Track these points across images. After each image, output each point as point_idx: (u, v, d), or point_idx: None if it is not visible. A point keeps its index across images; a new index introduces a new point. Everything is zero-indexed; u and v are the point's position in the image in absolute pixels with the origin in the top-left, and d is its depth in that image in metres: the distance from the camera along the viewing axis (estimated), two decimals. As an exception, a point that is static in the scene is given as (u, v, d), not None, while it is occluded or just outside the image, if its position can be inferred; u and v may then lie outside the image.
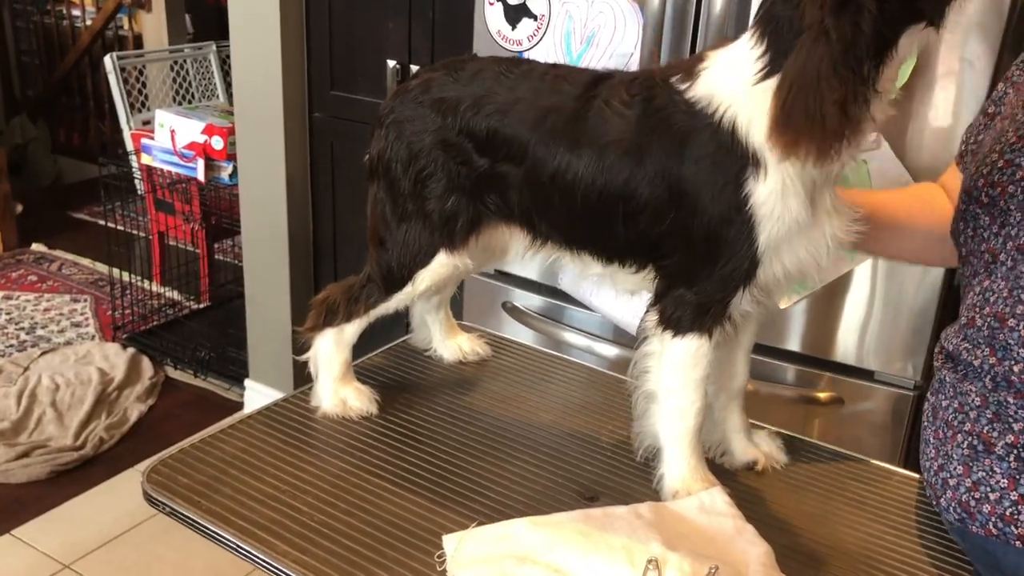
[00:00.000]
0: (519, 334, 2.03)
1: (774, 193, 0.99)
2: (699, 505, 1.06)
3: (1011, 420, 0.99)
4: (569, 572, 0.93)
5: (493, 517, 1.07)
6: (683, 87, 1.03)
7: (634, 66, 1.81)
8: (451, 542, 1.02)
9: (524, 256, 1.22)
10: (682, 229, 1.04)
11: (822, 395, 1.80)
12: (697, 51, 1.76)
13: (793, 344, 1.81)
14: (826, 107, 0.90)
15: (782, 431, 1.29)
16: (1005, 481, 0.99)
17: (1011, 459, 0.99)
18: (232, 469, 1.15)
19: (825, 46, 0.89)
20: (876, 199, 1.23)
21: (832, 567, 1.04)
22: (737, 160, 1.00)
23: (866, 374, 1.76)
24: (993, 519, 1.00)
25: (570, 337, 2.03)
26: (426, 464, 1.19)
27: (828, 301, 1.75)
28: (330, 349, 1.29)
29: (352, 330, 1.28)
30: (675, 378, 1.09)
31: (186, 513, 1.08)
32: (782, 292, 1.10)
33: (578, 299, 1.98)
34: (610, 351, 1.97)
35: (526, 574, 0.93)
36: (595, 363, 1.70)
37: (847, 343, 1.77)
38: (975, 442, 1.02)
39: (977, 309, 1.04)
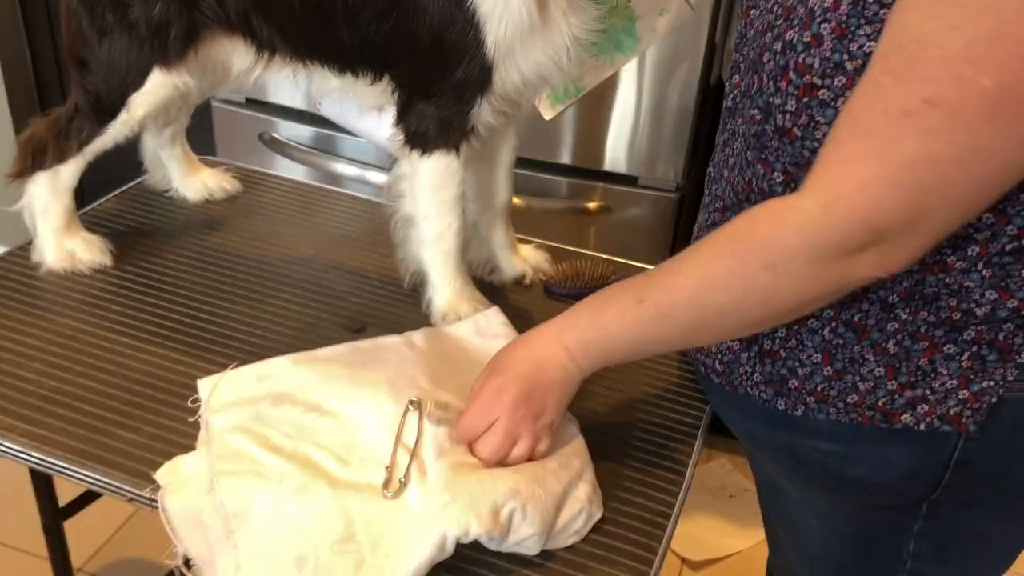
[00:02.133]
0: (284, 168, 1.90)
1: None
2: (475, 328, 1.03)
3: None
4: (330, 410, 0.88)
5: (253, 358, 0.99)
6: None
7: None
8: (206, 387, 0.94)
9: (254, 73, 1.09)
10: (406, 32, 0.96)
11: (591, 205, 1.82)
12: None
13: (563, 157, 1.80)
14: None
15: (548, 242, 1.28)
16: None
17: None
18: (-61, 343, 1.00)
19: None
20: None
21: (593, 386, 1.05)
22: None
23: (631, 180, 1.78)
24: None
25: (340, 167, 1.92)
26: (174, 314, 1.08)
27: (594, 110, 1.73)
28: (45, 196, 1.12)
29: (68, 172, 1.12)
30: (428, 200, 1.03)
31: None
32: (527, 100, 1.05)
33: (341, 125, 1.85)
34: (383, 179, 1.88)
35: (282, 415, 0.88)
36: (369, 193, 1.61)
37: (613, 151, 1.77)
38: None
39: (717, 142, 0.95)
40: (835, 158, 0.68)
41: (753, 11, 0.83)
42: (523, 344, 0.86)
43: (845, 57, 0.69)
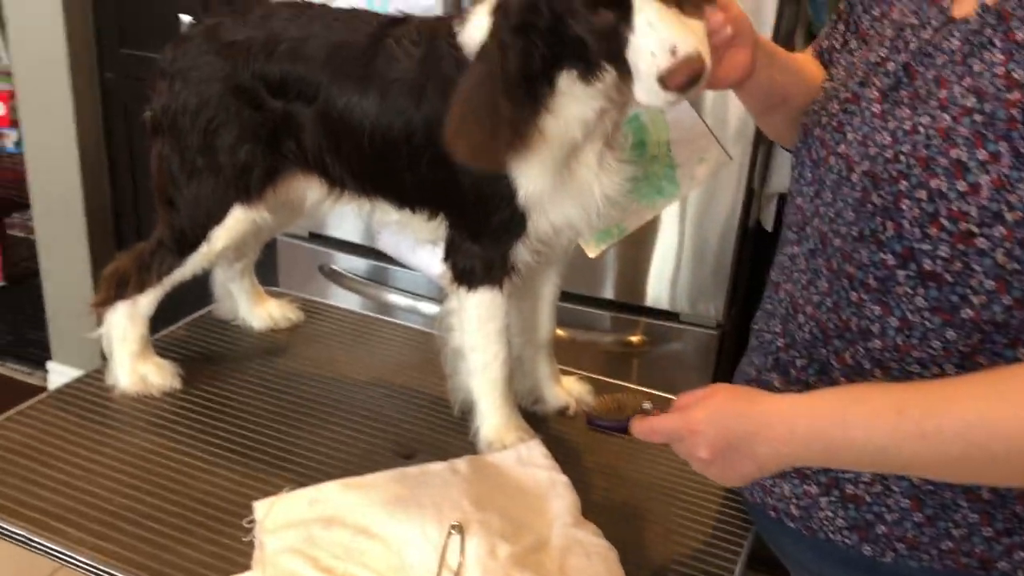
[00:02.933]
0: (341, 299, 1.99)
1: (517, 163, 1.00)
2: (517, 457, 1.08)
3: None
4: (377, 533, 0.93)
5: (308, 483, 1.05)
6: (457, 31, 1.03)
7: (438, 20, 1.79)
8: (261, 509, 0.99)
9: (324, 206, 1.19)
10: (455, 178, 1.05)
11: (633, 339, 1.88)
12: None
13: (607, 292, 1.87)
14: (496, 125, 0.93)
15: (591, 375, 1.33)
16: None
17: None
18: (21, 458, 1.07)
19: (500, 63, 0.93)
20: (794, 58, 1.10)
21: (633, 515, 1.08)
22: None
23: (673, 316, 1.84)
24: (756, 489, 0.98)
25: (394, 298, 2.01)
26: (236, 436, 1.15)
27: (637, 248, 1.81)
28: (123, 323, 1.21)
29: (146, 301, 1.22)
30: (475, 332, 1.10)
31: (-33, 510, 1.00)
32: (562, 245, 1.12)
33: (396, 258, 1.96)
34: (434, 310, 1.97)
35: (333, 537, 0.92)
36: (421, 323, 1.69)
37: (655, 288, 1.84)
38: None
39: (776, 281, 1.00)
40: None
41: (833, 159, 0.88)
42: (750, 402, 0.81)
43: (1004, 207, 0.73)
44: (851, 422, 0.73)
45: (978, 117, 0.75)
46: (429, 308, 1.98)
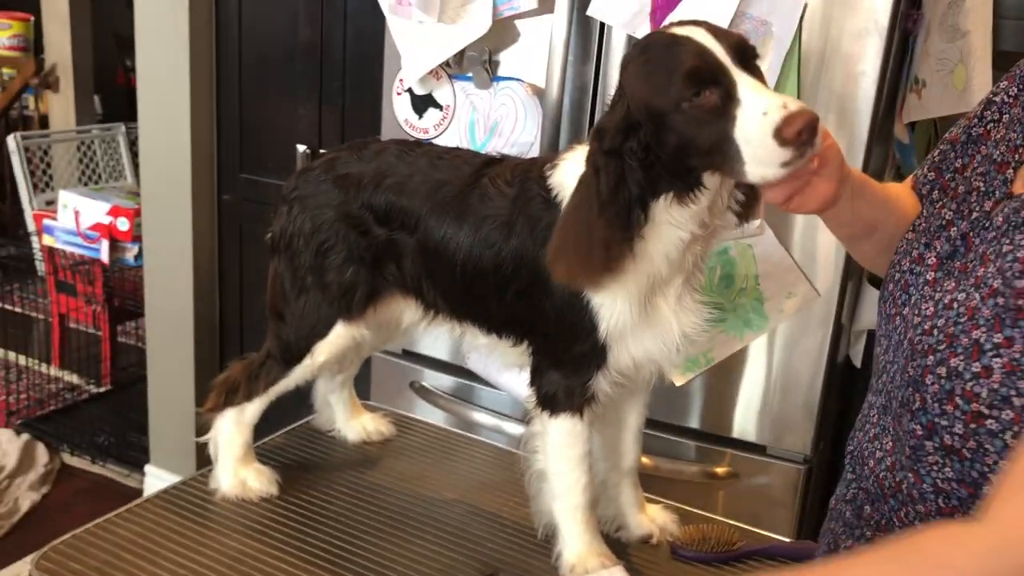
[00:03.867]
0: (428, 414, 2.04)
1: (604, 292, 1.04)
2: (598, 583, 1.08)
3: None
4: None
5: (393, 596, 1.08)
6: (548, 174, 1.10)
7: (534, 155, 1.89)
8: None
9: (419, 327, 1.26)
10: (539, 308, 1.10)
11: (719, 470, 1.86)
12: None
13: (692, 421, 1.88)
14: (591, 246, 0.97)
15: (676, 504, 1.33)
16: None
17: None
18: (127, 554, 1.13)
19: (595, 187, 0.97)
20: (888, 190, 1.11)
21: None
22: None
23: (759, 449, 1.83)
24: None
25: (479, 416, 2.05)
26: (327, 545, 1.19)
27: (724, 378, 1.82)
28: (230, 430, 1.28)
29: (253, 409, 1.29)
30: (557, 457, 1.13)
31: (76, 602, 1.05)
32: (643, 377, 1.15)
33: (485, 378, 2.01)
34: (518, 430, 2.00)
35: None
36: (505, 442, 1.73)
37: (742, 419, 1.84)
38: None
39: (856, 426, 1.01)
40: (1014, 497, 0.68)
41: (898, 319, 0.89)
42: None
43: (1013, 393, 0.74)
44: None
45: (1000, 300, 0.77)
46: (514, 428, 2.01)
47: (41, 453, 3.12)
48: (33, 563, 1.10)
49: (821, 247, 1.69)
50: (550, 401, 1.13)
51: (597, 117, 1.82)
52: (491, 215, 1.13)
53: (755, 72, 0.93)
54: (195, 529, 1.20)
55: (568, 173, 1.07)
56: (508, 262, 1.12)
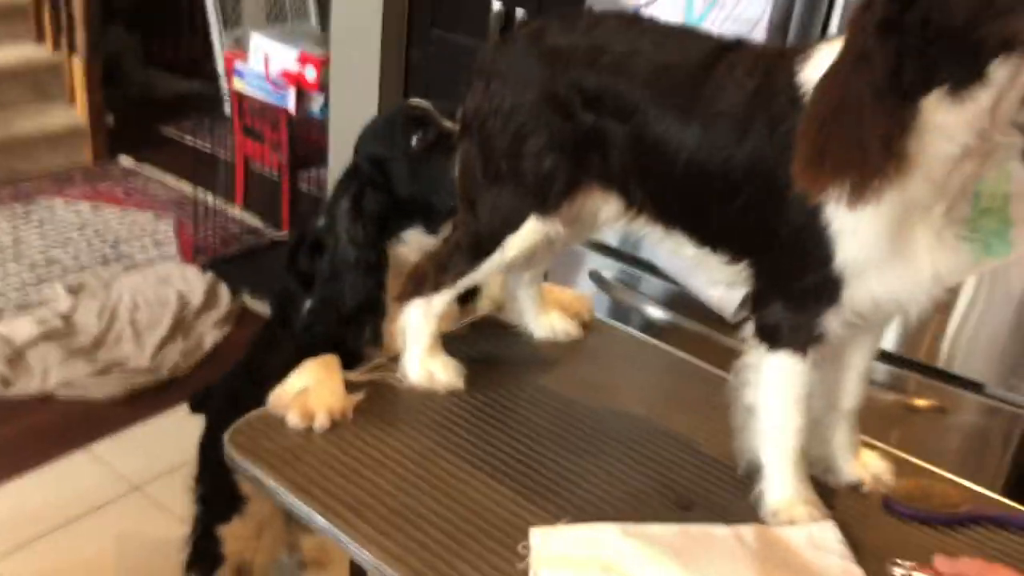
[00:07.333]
0: (600, 303, 1.97)
1: (849, 215, 0.89)
2: (808, 538, 0.99)
3: None
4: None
5: (580, 515, 1.02)
6: (798, 67, 0.94)
7: (761, 34, 1.69)
8: (537, 536, 0.97)
9: (616, 225, 1.15)
10: (767, 228, 0.97)
11: (920, 402, 1.71)
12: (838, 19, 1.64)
13: (886, 342, 1.71)
14: (868, 141, 0.81)
15: (895, 451, 1.20)
16: None
17: None
18: (316, 437, 1.12)
19: (867, 73, 0.81)
20: None
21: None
22: None
23: (975, 386, 1.65)
24: None
25: (653, 312, 1.95)
26: (510, 450, 1.14)
27: (944, 306, 1.64)
28: (419, 319, 1.24)
29: (440, 300, 1.23)
30: (772, 396, 1.02)
31: (269, 482, 1.05)
32: (881, 318, 1.00)
33: (671, 276, 1.90)
34: (696, 328, 1.88)
35: (614, 589, 0.88)
36: (679, 338, 1.62)
37: (955, 348, 1.66)
38: None
39: None
40: None
41: None
42: None
43: None
44: None
45: None
46: (691, 326, 1.88)
47: (224, 293, 3.26)
48: (228, 437, 1.11)
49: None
50: (771, 334, 1.01)
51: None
52: (724, 111, 0.99)
53: None
54: (383, 418, 1.17)
55: (823, 69, 0.90)
56: (740, 168, 0.98)
